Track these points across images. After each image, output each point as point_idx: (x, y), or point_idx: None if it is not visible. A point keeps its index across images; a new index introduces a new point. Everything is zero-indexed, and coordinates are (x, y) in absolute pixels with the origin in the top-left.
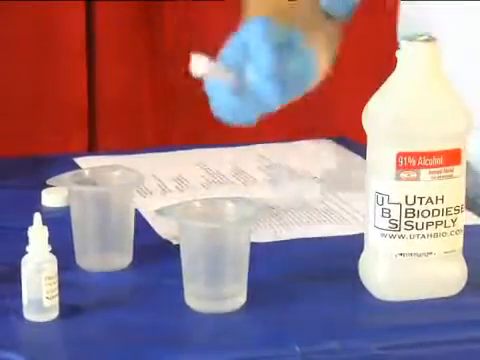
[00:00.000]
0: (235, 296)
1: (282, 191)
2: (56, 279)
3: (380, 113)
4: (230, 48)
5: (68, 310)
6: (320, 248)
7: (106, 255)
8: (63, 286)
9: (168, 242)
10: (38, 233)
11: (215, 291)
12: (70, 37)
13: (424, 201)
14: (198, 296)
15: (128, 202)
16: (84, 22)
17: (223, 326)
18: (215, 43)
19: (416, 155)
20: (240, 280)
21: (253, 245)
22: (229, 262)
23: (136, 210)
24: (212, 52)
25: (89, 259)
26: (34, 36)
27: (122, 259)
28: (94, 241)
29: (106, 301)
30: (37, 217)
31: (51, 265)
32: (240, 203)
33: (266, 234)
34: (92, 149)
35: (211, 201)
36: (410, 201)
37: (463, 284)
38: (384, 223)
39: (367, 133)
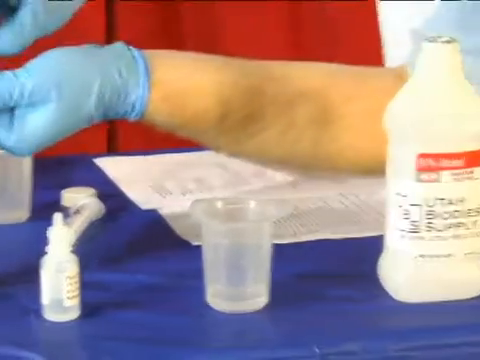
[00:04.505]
0: (257, 296)
1: (303, 192)
2: (77, 279)
3: (401, 114)
4: None
5: (89, 310)
6: (340, 249)
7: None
8: (84, 286)
9: (187, 243)
10: (59, 233)
11: (237, 291)
12: (90, 38)
13: (445, 203)
14: (220, 296)
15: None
16: (104, 23)
17: (244, 326)
18: (231, 45)
19: (437, 156)
20: (262, 280)
21: (273, 246)
22: (251, 262)
23: (155, 211)
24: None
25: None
26: (54, 37)
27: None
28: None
29: (127, 302)
30: (57, 217)
31: (72, 265)
32: (262, 203)
33: (286, 235)
34: (111, 150)
35: (233, 200)
36: (430, 203)
37: None
38: (404, 224)
39: (388, 133)
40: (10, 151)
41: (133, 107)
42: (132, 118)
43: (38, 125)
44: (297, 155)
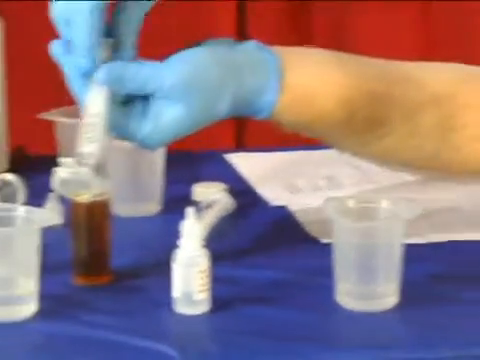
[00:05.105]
0: (387, 296)
1: (432, 192)
2: (208, 273)
3: None
4: None
5: (219, 304)
6: (471, 251)
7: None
8: (215, 280)
9: (317, 240)
10: (191, 227)
11: (367, 290)
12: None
13: None
14: (349, 295)
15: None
16: (235, 21)
17: (373, 326)
18: (360, 45)
19: None
20: (392, 280)
21: (404, 246)
22: (382, 261)
23: (285, 207)
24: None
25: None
26: (185, 36)
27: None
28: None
29: (256, 297)
30: (190, 211)
31: (203, 259)
32: (394, 202)
33: (416, 235)
34: (240, 145)
35: (365, 199)
36: None
37: None
38: None
39: None
40: (140, 143)
41: (262, 108)
42: (260, 118)
43: (171, 120)
44: (420, 159)
